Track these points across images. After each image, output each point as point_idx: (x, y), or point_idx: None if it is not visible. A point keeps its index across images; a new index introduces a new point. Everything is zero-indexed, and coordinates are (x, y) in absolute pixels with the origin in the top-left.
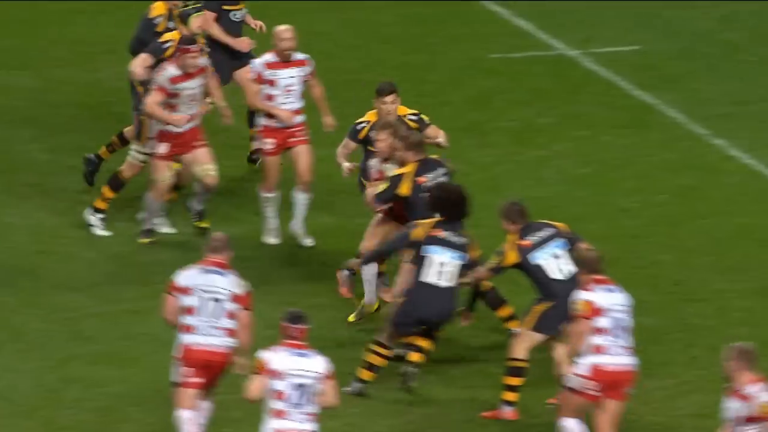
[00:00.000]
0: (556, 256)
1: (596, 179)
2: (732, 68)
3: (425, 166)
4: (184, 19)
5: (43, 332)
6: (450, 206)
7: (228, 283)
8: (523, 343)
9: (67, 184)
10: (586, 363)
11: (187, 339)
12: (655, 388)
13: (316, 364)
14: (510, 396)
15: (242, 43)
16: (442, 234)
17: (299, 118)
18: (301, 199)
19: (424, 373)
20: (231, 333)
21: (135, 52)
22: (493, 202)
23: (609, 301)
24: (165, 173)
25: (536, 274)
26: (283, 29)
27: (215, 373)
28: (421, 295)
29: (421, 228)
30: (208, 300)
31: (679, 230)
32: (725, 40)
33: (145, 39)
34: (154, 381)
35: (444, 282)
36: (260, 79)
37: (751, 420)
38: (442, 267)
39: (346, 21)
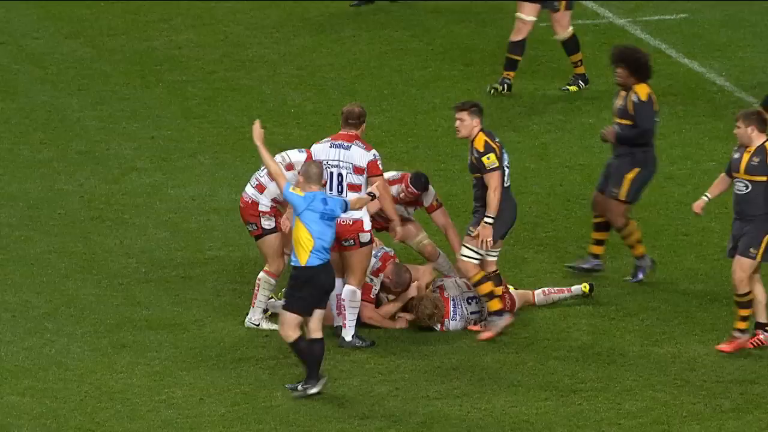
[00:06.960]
0: None
1: None
2: None
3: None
4: None
5: (96, 298)
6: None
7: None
8: None
9: (118, 151)
10: None
11: None
12: (703, 354)
13: None
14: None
15: None
16: None
17: None
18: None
19: (470, 340)
20: None
21: None
22: (541, 169)
23: None
24: None
25: None
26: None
27: None
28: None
29: None
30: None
31: (727, 198)
32: None
33: None
34: (205, 346)
35: None
36: None
37: None
38: None
39: None
